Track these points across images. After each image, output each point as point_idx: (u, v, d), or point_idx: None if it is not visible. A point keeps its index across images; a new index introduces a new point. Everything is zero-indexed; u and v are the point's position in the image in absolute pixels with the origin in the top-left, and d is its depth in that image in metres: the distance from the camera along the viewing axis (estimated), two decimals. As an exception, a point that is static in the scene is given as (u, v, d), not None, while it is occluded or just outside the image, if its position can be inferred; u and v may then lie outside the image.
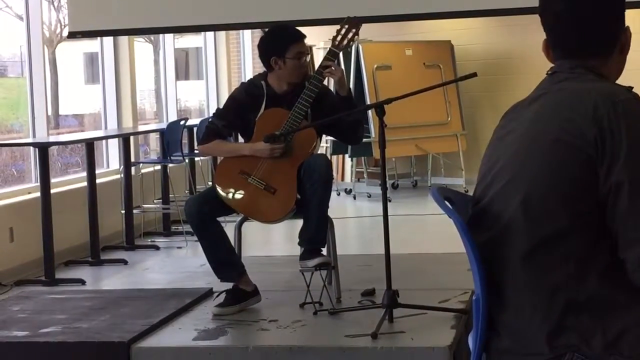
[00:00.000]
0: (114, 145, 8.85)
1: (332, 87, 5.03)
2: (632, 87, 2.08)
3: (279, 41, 4.82)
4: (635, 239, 1.92)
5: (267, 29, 5.00)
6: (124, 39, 8.94)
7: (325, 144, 10.72)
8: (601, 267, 1.97)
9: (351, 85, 10.62)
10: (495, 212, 2.06)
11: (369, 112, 9.44)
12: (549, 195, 1.97)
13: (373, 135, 9.93)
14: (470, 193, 2.39)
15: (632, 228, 1.92)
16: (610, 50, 2.12)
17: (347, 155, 11.31)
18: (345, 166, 11.81)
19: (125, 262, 7.25)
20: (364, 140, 10.13)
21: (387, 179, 4.72)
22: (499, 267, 2.05)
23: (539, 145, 2.00)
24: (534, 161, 2.00)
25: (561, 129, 1.96)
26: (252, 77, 5.08)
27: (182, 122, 8.72)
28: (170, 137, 8.43)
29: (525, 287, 2.02)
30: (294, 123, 4.69)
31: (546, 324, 2.00)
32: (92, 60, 10.22)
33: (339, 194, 10.82)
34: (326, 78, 4.81)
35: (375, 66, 10.52)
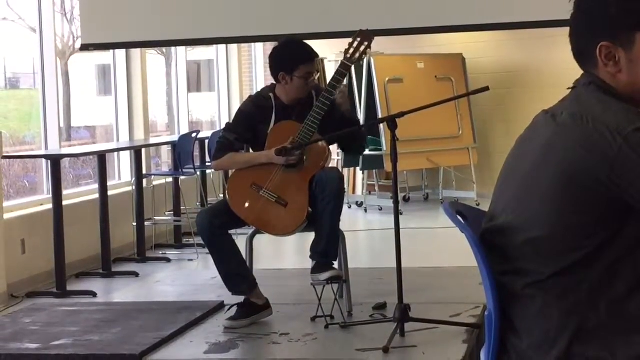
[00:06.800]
0: (125, 157, 8.86)
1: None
2: None
3: (290, 59, 4.81)
4: None
5: (281, 41, 4.99)
6: (136, 52, 8.96)
7: (336, 157, 10.71)
8: (613, 296, 1.97)
9: (363, 98, 10.64)
10: (504, 245, 2.05)
11: (381, 125, 9.43)
12: (559, 233, 1.96)
13: (385, 148, 9.92)
14: (482, 207, 2.37)
15: None
16: (589, 57, 2.04)
17: (358, 169, 11.30)
18: (356, 179, 11.80)
19: (136, 274, 7.24)
20: (376, 153, 10.21)
21: (398, 192, 4.71)
22: (511, 292, 2.05)
23: (548, 183, 1.96)
24: (541, 197, 1.97)
25: (571, 166, 1.94)
26: (259, 90, 5.09)
27: (193, 135, 8.73)
28: (182, 149, 8.44)
29: (536, 313, 2.01)
30: (305, 136, 4.69)
31: (555, 349, 1.99)
32: (104, 73, 10.24)
33: (350, 207, 10.81)
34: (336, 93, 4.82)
35: (387, 79, 10.52)
